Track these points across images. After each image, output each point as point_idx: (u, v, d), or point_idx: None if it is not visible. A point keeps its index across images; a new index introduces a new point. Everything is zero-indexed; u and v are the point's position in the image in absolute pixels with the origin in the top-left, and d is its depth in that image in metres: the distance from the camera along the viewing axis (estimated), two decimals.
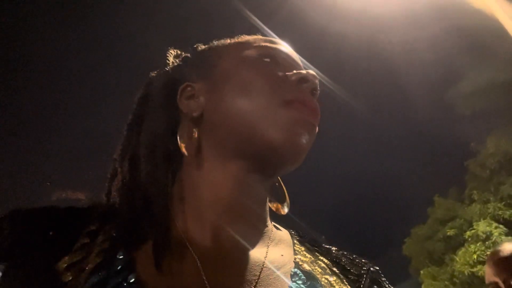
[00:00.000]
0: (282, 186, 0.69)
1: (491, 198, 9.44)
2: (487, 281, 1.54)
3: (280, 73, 0.61)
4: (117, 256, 0.51)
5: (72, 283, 0.48)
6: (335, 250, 0.69)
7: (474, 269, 8.56)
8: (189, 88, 0.65)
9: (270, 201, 0.66)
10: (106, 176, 0.66)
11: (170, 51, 0.73)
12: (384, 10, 8.42)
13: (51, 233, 0.53)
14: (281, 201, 0.68)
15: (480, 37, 9.09)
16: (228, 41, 0.69)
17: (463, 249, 9.02)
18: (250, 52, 0.64)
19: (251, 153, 0.58)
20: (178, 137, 0.62)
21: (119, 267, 0.50)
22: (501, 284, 1.40)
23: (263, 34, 0.70)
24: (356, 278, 0.64)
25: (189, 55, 0.73)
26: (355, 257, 0.69)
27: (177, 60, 0.72)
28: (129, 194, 0.62)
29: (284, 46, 0.68)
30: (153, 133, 0.64)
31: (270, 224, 0.65)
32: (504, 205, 9.08)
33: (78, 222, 0.56)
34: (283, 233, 0.67)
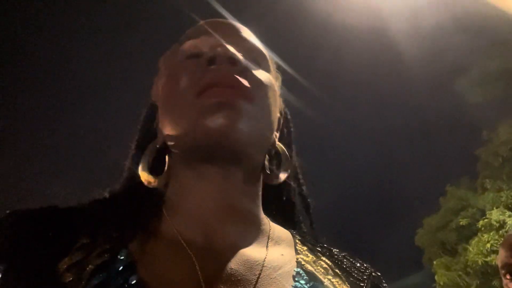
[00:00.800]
0: (281, 155, 0.66)
1: (504, 186, 9.34)
2: (500, 264, 1.54)
3: (194, 63, 0.58)
4: (118, 257, 0.51)
5: (72, 284, 0.47)
6: (337, 251, 0.67)
7: (488, 259, 8.49)
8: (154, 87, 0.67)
9: (266, 176, 0.65)
10: (105, 175, 0.67)
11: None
12: (387, 3, 8.33)
13: (50, 233, 0.53)
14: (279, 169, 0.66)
15: (489, 26, 8.96)
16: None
17: (476, 239, 8.95)
18: (175, 51, 0.63)
19: (191, 151, 0.57)
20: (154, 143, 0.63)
21: (120, 268, 0.49)
22: None
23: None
24: (357, 282, 0.63)
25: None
26: (357, 260, 0.67)
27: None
28: (126, 194, 0.63)
29: (213, 27, 0.63)
30: (144, 136, 0.66)
31: (268, 223, 0.64)
32: None
33: (78, 222, 0.55)
34: (284, 232, 0.65)
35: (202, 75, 0.56)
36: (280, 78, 0.73)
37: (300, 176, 0.76)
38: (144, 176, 0.60)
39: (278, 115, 0.69)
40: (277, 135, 0.69)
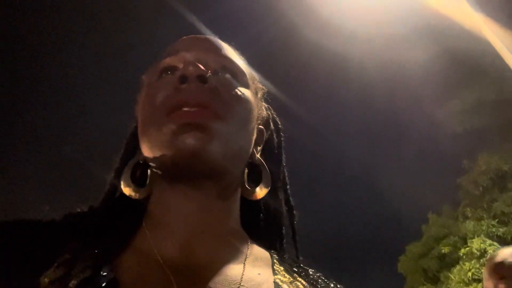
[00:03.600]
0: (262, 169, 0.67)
1: (485, 215, 9.46)
2: (484, 287, 1.56)
3: (168, 80, 0.59)
4: (101, 273, 0.50)
5: None
6: (312, 272, 0.67)
7: (469, 287, 8.52)
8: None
9: (245, 192, 0.65)
10: (88, 189, 0.66)
11: None
12: (377, 31, 8.57)
13: (32, 247, 0.52)
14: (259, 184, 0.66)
15: (472, 57, 9.25)
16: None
17: (458, 267, 8.99)
18: (150, 71, 0.64)
19: (165, 168, 0.57)
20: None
21: (103, 285, 0.49)
22: None
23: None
24: None
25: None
26: (331, 281, 0.68)
27: None
28: (108, 208, 0.63)
29: (191, 42, 0.64)
30: (128, 151, 0.66)
31: (246, 240, 0.64)
32: (498, 222, 9.10)
33: (60, 236, 0.55)
34: (262, 252, 0.65)
35: (173, 94, 0.56)
36: (262, 91, 0.73)
37: (288, 191, 0.76)
38: (126, 189, 0.61)
39: (261, 128, 0.70)
40: (259, 148, 0.69)
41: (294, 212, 0.75)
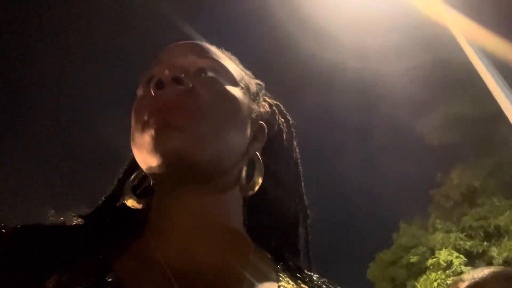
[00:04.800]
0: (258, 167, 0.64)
1: (453, 228, 9.70)
2: None
3: (147, 94, 0.58)
4: (106, 279, 0.50)
5: None
6: (317, 277, 0.67)
7: None
8: None
9: (243, 190, 0.63)
10: (92, 194, 0.66)
11: None
12: (359, 43, 8.68)
13: (36, 252, 0.52)
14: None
15: (452, 73, 9.46)
16: None
17: (424, 277, 9.19)
18: (139, 85, 0.63)
19: (154, 176, 0.58)
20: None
21: None
22: None
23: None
24: None
25: None
26: (336, 286, 0.67)
27: None
28: (111, 214, 0.62)
29: (169, 49, 0.64)
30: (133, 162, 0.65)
31: (250, 243, 0.64)
32: (465, 235, 9.35)
33: (65, 241, 0.54)
34: (265, 256, 0.65)
35: (150, 102, 0.56)
36: (258, 87, 0.72)
37: (301, 191, 0.74)
38: (128, 201, 0.61)
39: (261, 123, 0.68)
40: (259, 145, 0.67)
41: (308, 213, 0.73)
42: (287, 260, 0.68)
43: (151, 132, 0.53)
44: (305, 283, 0.64)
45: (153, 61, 0.64)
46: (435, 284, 8.72)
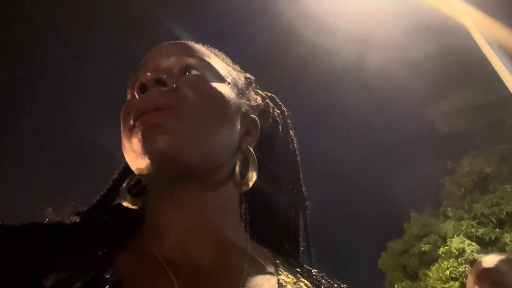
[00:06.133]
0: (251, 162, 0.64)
1: (465, 216, 9.63)
2: None
3: (132, 98, 0.58)
4: (105, 275, 0.50)
5: None
6: (316, 272, 0.67)
7: (446, 285, 8.70)
8: None
9: (237, 185, 0.63)
10: (90, 192, 0.65)
11: None
12: (369, 31, 8.59)
13: (35, 249, 0.52)
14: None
15: (462, 59, 9.33)
16: None
17: (436, 265, 9.17)
18: (127, 89, 0.63)
19: (145, 178, 0.57)
20: None
21: (107, 287, 0.48)
22: None
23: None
24: None
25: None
26: (335, 281, 0.67)
27: None
28: (108, 212, 0.62)
29: (153, 52, 0.64)
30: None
31: (247, 240, 0.64)
32: (477, 223, 9.28)
33: (62, 239, 0.54)
34: (264, 252, 0.65)
35: (134, 106, 0.55)
36: (248, 81, 0.72)
37: (300, 185, 0.73)
38: (124, 202, 0.61)
39: (253, 117, 0.67)
40: (251, 138, 0.67)
41: (307, 204, 0.73)
42: (286, 254, 0.68)
43: (138, 135, 0.53)
44: (304, 277, 0.64)
45: (140, 65, 0.63)
46: (447, 272, 8.69)
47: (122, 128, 0.58)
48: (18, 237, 0.53)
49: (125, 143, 0.56)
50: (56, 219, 0.59)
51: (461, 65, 9.84)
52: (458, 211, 9.87)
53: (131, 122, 0.55)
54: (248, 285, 0.55)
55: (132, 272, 0.52)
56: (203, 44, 0.69)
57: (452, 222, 9.57)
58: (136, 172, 0.57)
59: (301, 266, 0.67)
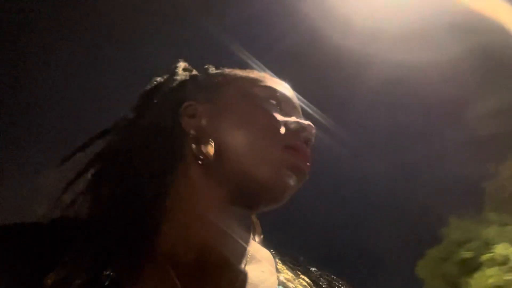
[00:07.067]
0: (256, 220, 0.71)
1: (509, 221, 9.27)
2: None
3: (282, 118, 0.64)
4: (105, 273, 0.51)
5: None
6: (315, 270, 0.71)
7: None
8: (192, 107, 0.66)
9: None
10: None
11: (180, 62, 0.73)
12: (401, 31, 8.42)
13: (35, 248, 0.53)
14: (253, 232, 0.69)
15: (499, 59, 9.04)
16: (239, 72, 0.70)
17: (479, 273, 8.83)
18: (258, 90, 0.66)
19: (240, 186, 0.60)
20: (173, 152, 0.62)
21: (106, 284, 0.50)
22: None
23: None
24: None
25: (198, 74, 0.73)
26: (333, 278, 0.70)
27: (186, 74, 0.72)
28: (117, 207, 0.60)
29: (288, 89, 0.71)
30: (151, 142, 0.63)
31: (252, 243, 0.66)
32: None
33: (62, 237, 0.55)
34: (264, 252, 0.68)
35: (290, 135, 0.63)
36: None
37: None
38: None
39: None
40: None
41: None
42: (284, 255, 0.71)
43: (288, 161, 0.61)
44: (303, 274, 0.67)
45: (274, 83, 0.69)
46: (491, 280, 8.35)
47: (270, 136, 0.62)
48: (18, 236, 0.54)
49: (267, 156, 0.61)
50: (54, 217, 0.59)
51: (498, 65, 9.51)
52: (502, 215, 9.48)
53: (284, 144, 0.62)
54: (250, 282, 0.57)
55: (132, 270, 0.53)
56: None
57: (496, 228, 9.21)
58: (247, 179, 0.60)
59: (299, 264, 0.70)
